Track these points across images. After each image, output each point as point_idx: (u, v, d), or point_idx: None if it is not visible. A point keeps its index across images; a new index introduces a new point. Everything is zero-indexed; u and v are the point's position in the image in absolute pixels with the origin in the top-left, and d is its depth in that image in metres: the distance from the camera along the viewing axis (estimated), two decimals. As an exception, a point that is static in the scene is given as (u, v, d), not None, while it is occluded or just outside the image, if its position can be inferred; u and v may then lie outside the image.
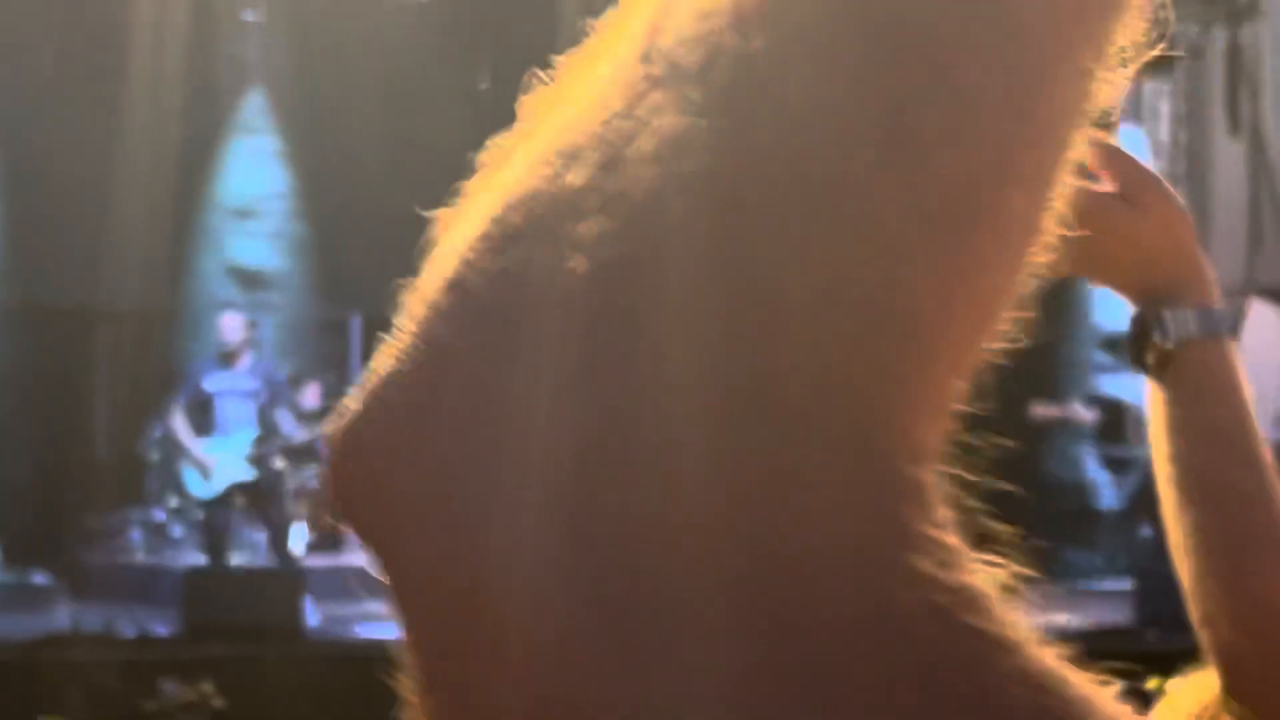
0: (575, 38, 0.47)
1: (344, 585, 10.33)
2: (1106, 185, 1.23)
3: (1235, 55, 12.94)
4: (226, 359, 9.80)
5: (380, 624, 9.20)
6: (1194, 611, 1.20)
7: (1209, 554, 1.20)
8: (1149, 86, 13.43)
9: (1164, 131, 13.77)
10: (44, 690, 8.03)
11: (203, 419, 9.81)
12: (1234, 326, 1.26)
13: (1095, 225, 1.17)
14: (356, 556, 10.67)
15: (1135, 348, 1.24)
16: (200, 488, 9.81)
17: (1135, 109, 13.36)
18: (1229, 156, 13.38)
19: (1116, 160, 1.23)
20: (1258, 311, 12.85)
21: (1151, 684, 1.88)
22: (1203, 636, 1.19)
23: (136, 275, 11.68)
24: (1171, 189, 1.26)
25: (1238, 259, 13.07)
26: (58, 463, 11.60)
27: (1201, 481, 1.20)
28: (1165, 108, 13.73)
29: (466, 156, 0.49)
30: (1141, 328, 1.22)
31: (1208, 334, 1.22)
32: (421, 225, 0.51)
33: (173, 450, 10.06)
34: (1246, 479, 1.20)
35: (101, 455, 11.64)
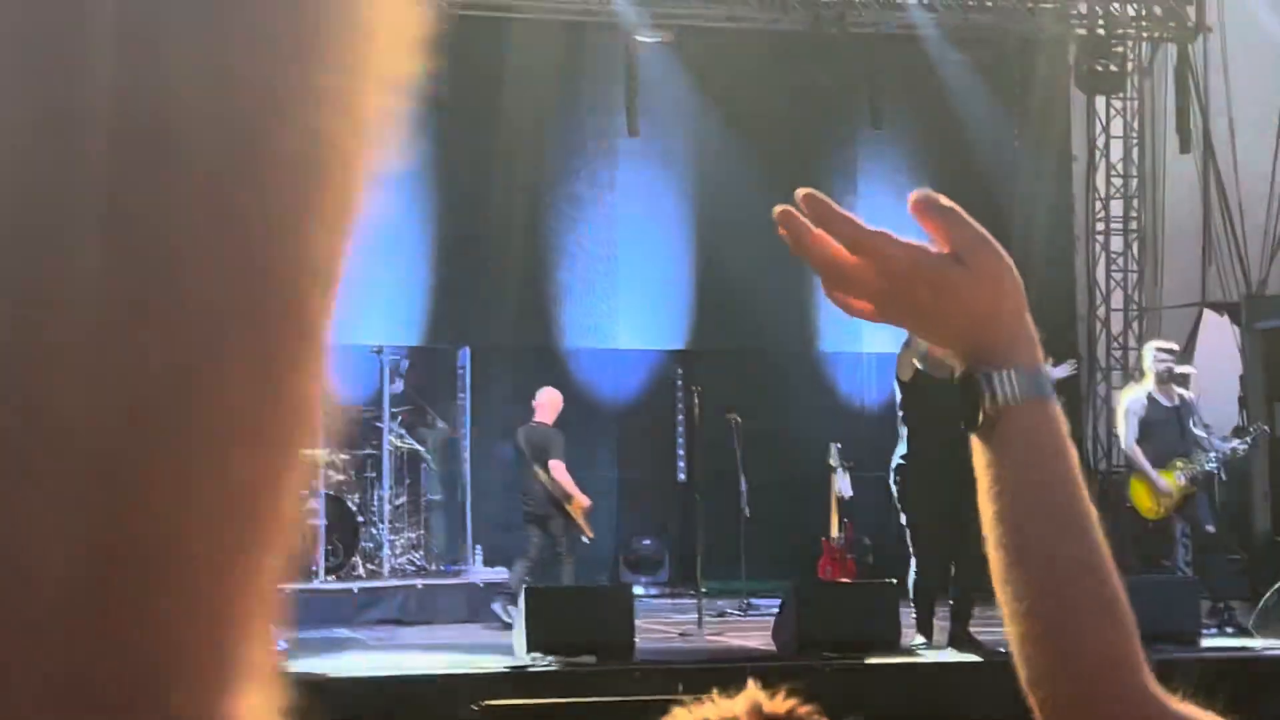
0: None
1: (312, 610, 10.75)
2: (941, 245, 1.21)
3: (1184, 73, 13.12)
4: None
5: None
6: (1022, 672, 1.19)
7: (1038, 618, 1.20)
8: (1102, 105, 14.08)
9: (1117, 149, 14.13)
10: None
11: None
12: (1055, 387, 1.26)
13: (928, 285, 1.21)
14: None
15: (964, 408, 1.23)
16: None
17: (1089, 128, 14.18)
18: (1180, 173, 13.63)
19: (951, 220, 1.21)
20: (1209, 324, 13.33)
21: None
22: (1032, 696, 1.19)
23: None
24: (1003, 251, 1.24)
25: (1191, 273, 13.57)
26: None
27: (1028, 546, 1.20)
28: (1118, 126, 14.10)
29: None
30: (969, 388, 1.22)
31: (1032, 396, 1.20)
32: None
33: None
34: (1072, 544, 1.20)
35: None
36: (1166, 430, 10.59)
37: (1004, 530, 1.19)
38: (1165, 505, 10.91)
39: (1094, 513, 1.20)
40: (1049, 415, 1.20)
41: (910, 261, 1.20)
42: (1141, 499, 10.97)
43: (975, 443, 1.22)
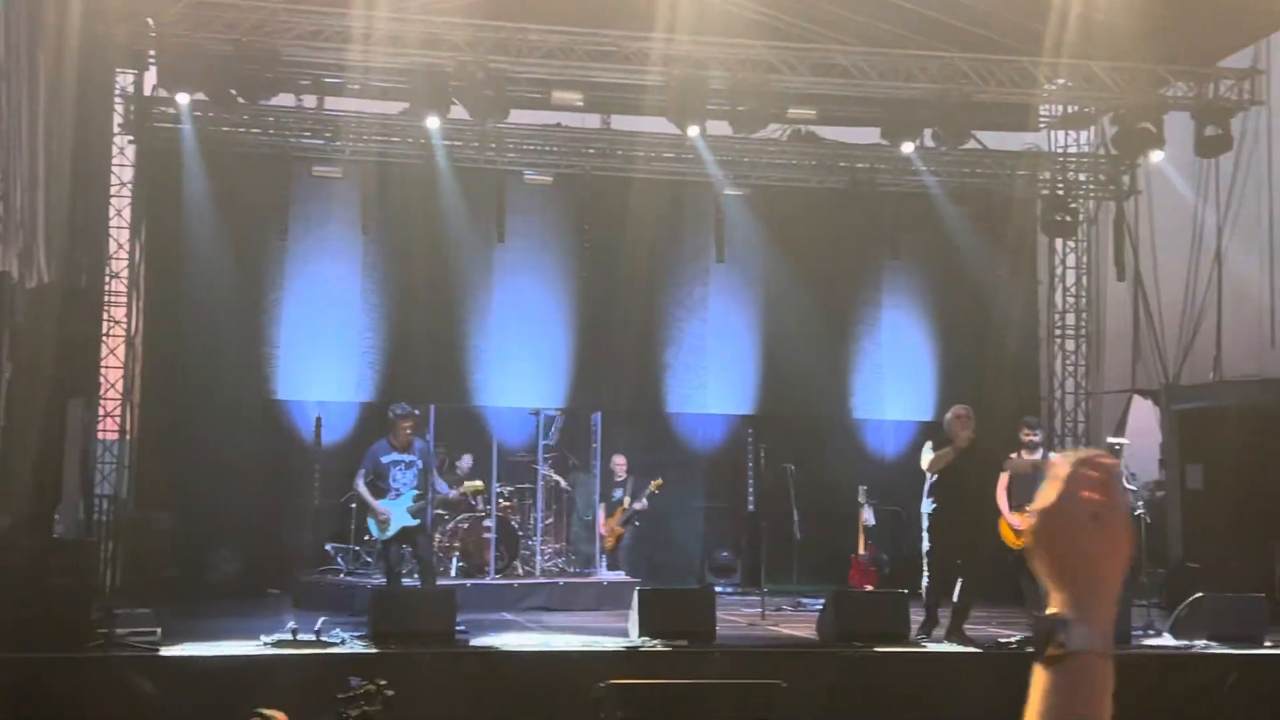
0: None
1: (484, 599, 12.12)
2: None
3: (1121, 222, 15.22)
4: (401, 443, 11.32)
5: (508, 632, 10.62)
6: None
7: None
8: (1059, 245, 16.11)
9: (1071, 277, 16.26)
10: (263, 685, 8.39)
11: (381, 485, 11.22)
12: None
13: None
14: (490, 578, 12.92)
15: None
16: (378, 532, 11.36)
17: (1050, 261, 16.13)
18: (1116, 293, 15.70)
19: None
20: (1137, 406, 15.37)
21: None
22: None
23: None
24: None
25: (1123, 369, 15.57)
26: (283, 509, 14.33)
27: None
28: (1071, 260, 16.22)
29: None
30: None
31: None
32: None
33: (361, 506, 11.80)
34: None
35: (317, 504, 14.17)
36: (1026, 485, 10.72)
37: None
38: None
39: None
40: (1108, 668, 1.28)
41: None
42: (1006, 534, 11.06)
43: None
